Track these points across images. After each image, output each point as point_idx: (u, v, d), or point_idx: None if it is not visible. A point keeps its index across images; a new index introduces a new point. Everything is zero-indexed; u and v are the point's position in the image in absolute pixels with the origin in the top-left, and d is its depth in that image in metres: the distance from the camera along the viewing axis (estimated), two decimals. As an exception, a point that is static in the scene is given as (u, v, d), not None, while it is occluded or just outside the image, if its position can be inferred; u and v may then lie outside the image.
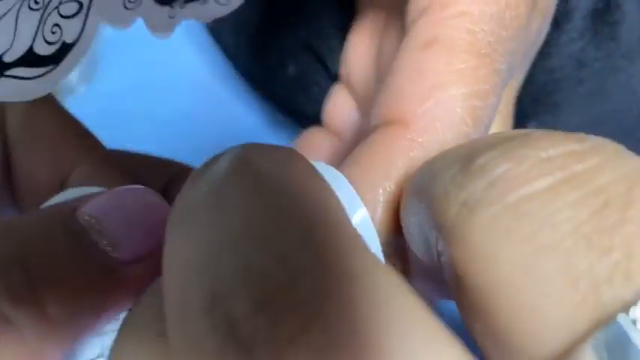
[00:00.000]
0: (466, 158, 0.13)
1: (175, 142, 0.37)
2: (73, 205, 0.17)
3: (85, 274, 0.16)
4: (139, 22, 0.20)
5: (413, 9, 0.20)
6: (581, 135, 0.12)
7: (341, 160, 0.31)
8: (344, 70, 0.30)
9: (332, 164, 0.31)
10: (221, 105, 0.37)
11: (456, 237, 0.12)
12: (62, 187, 0.20)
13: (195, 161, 0.39)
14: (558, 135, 0.12)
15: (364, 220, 0.17)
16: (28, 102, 0.21)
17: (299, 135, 0.32)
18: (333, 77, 0.32)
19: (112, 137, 0.39)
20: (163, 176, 0.23)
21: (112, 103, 0.38)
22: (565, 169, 0.11)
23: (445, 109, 0.18)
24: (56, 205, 0.18)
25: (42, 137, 0.21)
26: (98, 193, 0.18)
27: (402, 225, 0.16)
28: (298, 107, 0.34)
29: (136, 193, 0.18)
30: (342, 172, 0.19)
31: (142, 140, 0.38)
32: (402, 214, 0.16)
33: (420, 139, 0.18)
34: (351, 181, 0.18)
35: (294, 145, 0.31)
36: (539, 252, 0.11)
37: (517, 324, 0.11)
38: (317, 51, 0.32)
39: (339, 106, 0.30)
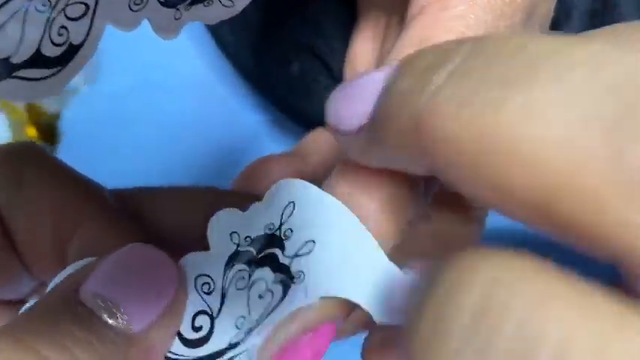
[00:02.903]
0: None
1: (176, 141, 0.38)
2: (75, 286, 0.16)
3: (103, 354, 0.15)
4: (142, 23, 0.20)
5: (412, 7, 0.20)
6: None
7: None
8: (349, 73, 0.30)
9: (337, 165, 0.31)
10: (222, 105, 0.37)
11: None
12: (66, 252, 0.19)
13: (195, 161, 0.39)
14: None
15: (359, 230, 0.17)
16: (19, 168, 0.20)
17: (303, 135, 0.32)
18: (335, 77, 0.32)
19: (113, 138, 0.39)
20: (199, 207, 0.21)
21: (114, 104, 0.38)
22: None
23: None
24: (58, 288, 0.17)
25: (39, 202, 0.20)
26: (98, 263, 0.17)
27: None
28: (299, 107, 0.34)
29: (136, 256, 0.17)
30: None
31: (144, 140, 0.38)
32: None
33: None
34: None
35: (299, 146, 0.31)
36: None
37: None
38: (318, 50, 0.32)
39: None
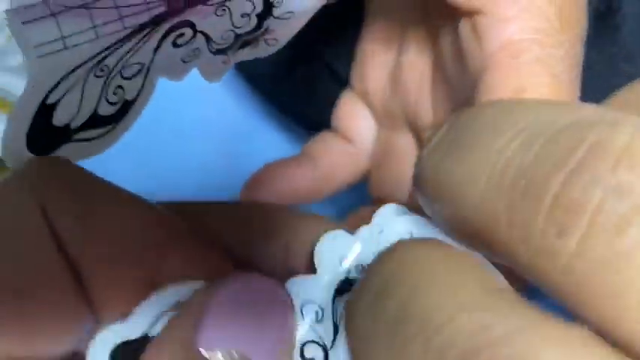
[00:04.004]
0: None
1: (176, 144, 0.37)
2: (189, 333, 0.15)
3: None
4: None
5: (478, 54, 0.20)
6: None
7: (354, 165, 0.31)
8: (359, 81, 0.30)
9: (346, 169, 0.31)
10: (224, 108, 0.37)
11: None
12: (153, 287, 0.17)
13: (196, 164, 0.38)
14: None
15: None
16: (86, 189, 0.17)
17: (311, 139, 0.32)
18: (339, 80, 0.32)
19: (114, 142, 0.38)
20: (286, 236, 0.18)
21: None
22: None
23: None
24: (170, 336, 0.15)
25: (113, 235, 0.17)
26: (207, 306, 0.15)
27: None
28: (303, 110, 0.34)
29: (248, 290, 0.15)
30: None
31: (143, 143, 0.37)
32: None
33: None
34: None
35: (307, 149, 0.31)
36: None
37: None
38: (322, 54, 0.32)
39: (353, 113, 0.31)
